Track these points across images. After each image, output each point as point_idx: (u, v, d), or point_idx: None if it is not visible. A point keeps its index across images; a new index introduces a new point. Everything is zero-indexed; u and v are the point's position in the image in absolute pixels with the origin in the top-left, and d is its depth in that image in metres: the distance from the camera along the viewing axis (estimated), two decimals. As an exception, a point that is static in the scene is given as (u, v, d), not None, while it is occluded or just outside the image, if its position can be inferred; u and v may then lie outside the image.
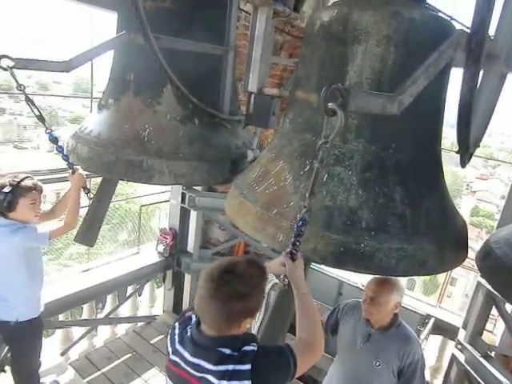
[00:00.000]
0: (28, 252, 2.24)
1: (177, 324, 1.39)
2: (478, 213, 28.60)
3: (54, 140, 2.06)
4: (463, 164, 1.58)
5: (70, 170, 2.30)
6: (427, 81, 1.13)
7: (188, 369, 1.24)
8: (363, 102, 1.04)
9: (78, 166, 2.29)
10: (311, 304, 1.37)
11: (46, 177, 3.22)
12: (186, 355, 1.25)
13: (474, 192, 32.65)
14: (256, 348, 1.22)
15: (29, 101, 1.77)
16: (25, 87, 1.73)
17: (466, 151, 1.46)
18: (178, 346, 1.30)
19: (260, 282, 1.26)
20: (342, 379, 2.21)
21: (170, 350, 1.33)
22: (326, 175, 1.51)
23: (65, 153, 2.18)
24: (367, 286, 2.06)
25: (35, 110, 1.85)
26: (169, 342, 1.36)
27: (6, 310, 2.29)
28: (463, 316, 3.56)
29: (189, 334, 1.29)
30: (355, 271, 1.47)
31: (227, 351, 1.19)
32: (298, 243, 1.31)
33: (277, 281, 3.10)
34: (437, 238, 1.51)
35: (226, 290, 1.18)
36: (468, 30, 1.67)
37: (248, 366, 1.16)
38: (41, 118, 1.92)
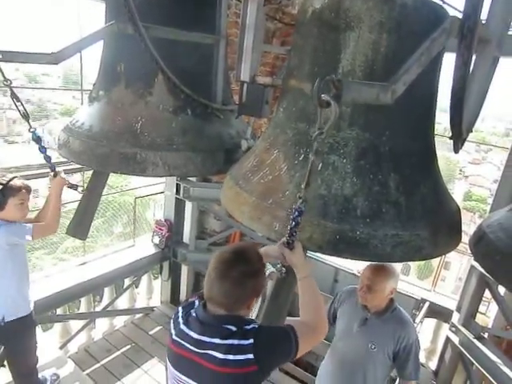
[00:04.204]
0: (11, 249, 2.21)
1: (180, 308, 1.42)
2: (470, 197, 28.86)
3: (38, 139, 2.02)
4: (456, 150, 1.59)
5: (52, 172, 2.26)
6: (420, 69, 1.13)
7: (191, 347, 1.26)
8: (357, 92, 1.04)
9: (60, 169, 2.27)
10: (313, 287, 1.39)
11: (38, 171, 3.19)
12: (192, 334, 1.28)
13: (467, 177, 32.90)
14: (257, 326, 1.27)
15: (14, 97, 1.73)
16: (11, 82, 1.68)
17: (458, 137, 1.46)
18: (182, 327, 1.32)
19: (263, 264, 1.34)
20: (338, 363, 2.25)
21: (173, 331, 1.34)
22: (321, 164, 1.51)
23: (47, 153, 2.14)
24: (363, 274, 2.08)
25: (20, 107, 1.80)
26: (172, 324, 1.38)
27: None
28: (456, 299, 3.62)
29: (194, 315, 1.32)
30: (351, 259, 1.49)
31: (233, 328, 1.23)
32: (294, 233, 1.32)
33: (273, 270, 3.11)
34: (431, 223, 1.53)
35: (238, 269, 1.24)
36: (460, 14, 1.66)
37: (251, 341, 1.21)
38: (25, 116, 1.87)
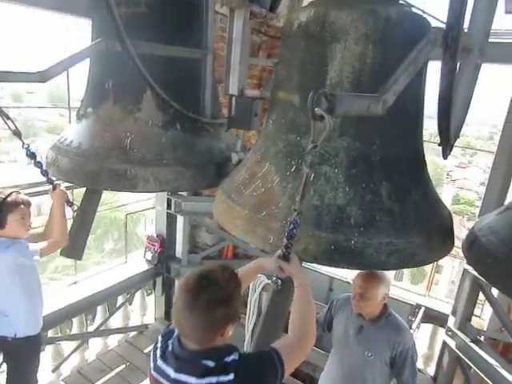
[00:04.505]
0: (20, 268, 2.21)
1: (160, 338, 1.33)
2: (459, 201, 29.24)
3: (32, 155, 2.01)
4: (445, 155, 1.61)
5: (51, 186, 2.25)
6: (408, 79, 1.16)
7: None
8: (349, 104, 1.05)
9: (59, 181, 2.25)
10: (308, 295, 1.37)
11: (27, 190, 3.13)
12: (169, 371, 1.21)
13: (454, 180, 33.40)
14: (237, 357, 1.20)
15: (3, 115, 1.72)
16: None
17: (447, 143, 1.49)
18: (159, 362, 1.25)
19: (237, 285, 1.23)
20: (337, 372, 2.25)
21: (151, 365, 1.28)
22: (313, 175, 1.52)
23: (44, 167, 2.13)
24: (354, 283, 2.09)
25: (11, 125, 1.80)
26: (151, 355, 1.31)
27: (5, 325, 2.27)
28: (451, 303, 3.64)
29: (170, 348, 1.24)
30: (347, 268, 1.48)
31: (211, 364, 1.16)
32: (290, 245, 1.32)
33: (268, 281, 3.10)
34: (425, 229, 1.54)
35: (205, 297, 1.14)
36: (438, 22, 1.71)
37: (231, 376, 1.14)
38: (17, 133, 1.87)
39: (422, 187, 1.66)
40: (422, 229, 1.54)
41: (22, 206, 2.19)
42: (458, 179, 33.35)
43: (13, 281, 2.22)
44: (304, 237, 1.43)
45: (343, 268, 1.49)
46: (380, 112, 1.09)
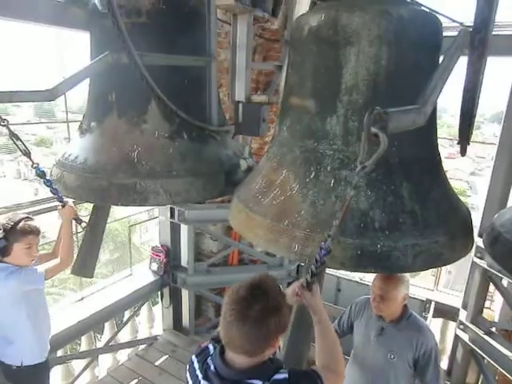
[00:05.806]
0: (27, 296, 2.15)
1: (194, 358, 1.29)
2: (451, 191, 29.48)
3: (42, 174, 1.97)
4: (464, 152, 1.61)
5: (60, 204, 2.20)
6: (443, 86, 1.15)
7: None
8: (397, 121, 1.04)
9: (69, 199, 2.21)
10: (330, 330, 1.35)
11: (28, 209, 3.06)
12: None
13: (446, 171, 33.73)
14: (287, 375, 1.16)
15: (14, 137, 1.68)
16: (8, 122, 1.63)
17: (467, 140, 1.48)
18: (203, 383, 1.21)
19: (284, 295, 1.23)
20: (358, 375, 2.22)
21: None
22: (333, 180, 1.50)
23: (53, 185, 2.09)
24: (374, 284, 2.06)
25: (21, 146, 1.75)
26: (190, 378, 1.26)
27: (11, 353, 2.21)
28: (452, 293, 3.64)
29: (212, 367, 1.20)
30: (374, 272, 1.47)
31: (258, 383, 1.13)
32: (317, 273, 1.29)
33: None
34: (447, 228, 1.54)
35: (260, 306, 1.11)
36: (446, 20, 1.70)
37: None
38: (27, 154, 1.83)
39: (441, 186, 1.66)
40: (445, 228, 1.53)
41: (30, 236, 2.12)
42: (449, 170, 33.63)
43: (18, 308, 2.15)
44: (330, 244, 1.40)
45: (371, 272, 1.48)
46: (422, 123, 1.09)
